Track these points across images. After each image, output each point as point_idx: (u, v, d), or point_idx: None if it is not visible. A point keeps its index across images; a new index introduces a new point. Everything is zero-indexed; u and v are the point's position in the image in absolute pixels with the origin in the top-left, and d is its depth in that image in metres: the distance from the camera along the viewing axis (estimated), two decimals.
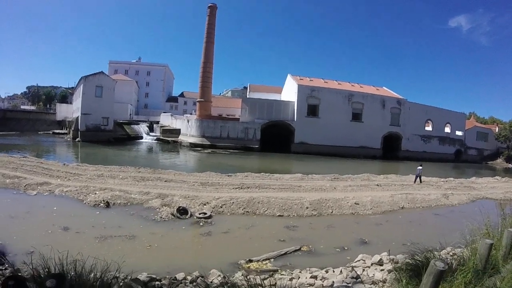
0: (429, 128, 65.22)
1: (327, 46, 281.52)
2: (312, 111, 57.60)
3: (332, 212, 15.39)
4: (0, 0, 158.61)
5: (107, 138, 56.64)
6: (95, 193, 15.61)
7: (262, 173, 24.80)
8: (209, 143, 54.32)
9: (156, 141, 62.94)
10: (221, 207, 14.74)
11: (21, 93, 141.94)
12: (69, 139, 59.16)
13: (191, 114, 74.12)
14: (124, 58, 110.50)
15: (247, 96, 72.54)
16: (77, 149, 47.94)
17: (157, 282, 6.77)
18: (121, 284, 4.91)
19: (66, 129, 68.59)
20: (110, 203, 14.42)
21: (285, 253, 9.91)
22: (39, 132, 71.64)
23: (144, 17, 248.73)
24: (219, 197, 15.98)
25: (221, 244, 10.91)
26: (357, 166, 39.20)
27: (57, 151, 45.63)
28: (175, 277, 7.38)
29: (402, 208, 17.43)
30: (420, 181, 25.93)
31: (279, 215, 14.41)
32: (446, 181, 28.31)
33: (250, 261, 9.23)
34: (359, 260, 8.81)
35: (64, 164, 24.51)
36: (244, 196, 16.15)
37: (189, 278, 7.46)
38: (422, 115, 63.54)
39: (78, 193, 15.78)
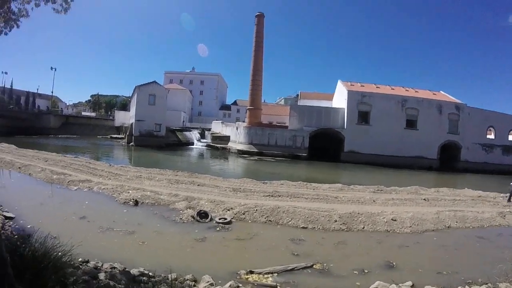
0: (491, 136, 58.95)
1: (381, 50, 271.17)
2: (363, 118, 54.96)
3: (363, 227, 13.90)
4: (69, 20, 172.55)
5: (159, 143, 58.65)
6: (128, 192, 16.60)
7: (299, 182, 23.72)
8: (256, 150, 54.04)
9: (206, 148, 64.18)
10: (243, 213, 14.26)
11: (86, 101, 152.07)
12: (123, 144, 62.65)
13: (243, 122, 74.55)
14: (179, 68, 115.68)
15: (298, 103, 71.56)
16: (129, 153, 51.33)
17: (144, 278, 6.88)
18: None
19: (123, 134, 71.89)
20: (138, 202, 15.22)
21: (293, 269, 9.02)
22: (98, 136, 76.84)
23: (199, 29, 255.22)
24: (245, 203, 15.48)
25: (228, 251, 10.48)
26: (409, 177, 36.67)
27: (110, 153, 48.77)
28: (168, 276, 7.21)
29: (448, 227, 15.14)
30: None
31: (303, 227, 13.38)
32: (506, 196, 24.13)
33: (251, 272, 8.62)
34: None
35: (110, 165, 26.17)
36: (269, 204, 15.45)
37: (180, 279, 7.42)
38: (483, 122, 57.42)
39: (113, 191, 16.91)
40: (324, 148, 54.77)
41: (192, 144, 67.44)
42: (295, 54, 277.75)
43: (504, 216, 17.67)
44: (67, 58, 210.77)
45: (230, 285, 7.27)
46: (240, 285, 7.48)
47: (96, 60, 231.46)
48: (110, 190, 16.95)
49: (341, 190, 21.88)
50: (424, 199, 20.73)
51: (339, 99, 60.54)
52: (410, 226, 14.40)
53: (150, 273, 7.35)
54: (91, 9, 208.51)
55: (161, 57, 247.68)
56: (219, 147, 60.85)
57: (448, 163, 54.63)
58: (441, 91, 64.52)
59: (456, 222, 15.78)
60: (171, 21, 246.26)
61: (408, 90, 62.02)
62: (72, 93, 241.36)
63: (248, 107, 65.17)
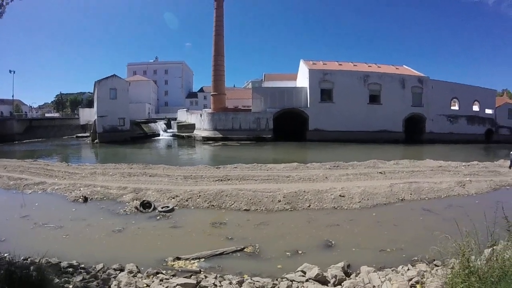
0: (455, 107, 60.25)
1: (344, 26, 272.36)
2: (326, 96, 55.21)
3: (309, 206, 13.62)
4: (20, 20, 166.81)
5: (124, 138, 57.40)
6: (80, 190, 16.50)
7: (253, 164, 23.36)
8: (221, 135, 53.57)
9: (172, 137, 63.34)
10: (187, 200, 14.08)
11: (51, 101, 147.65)
12: (88, 142, 61.03)
13: (210, 108, 73.82)
14: (143, 59, 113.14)
15: (263, 85, 71.27)
16: (93, 150, 50.59)
17: (71, 269, 7.10)
18: None
19: (88, 132, 70.19)
20: (88, 198, 15.19)
21: (221, 253, 8.78)
22: (63, 137, 74.30)
23: (159, 18, 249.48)
24: (191, 190, 15.24)
25: (160, 239, 10.28)
26: (373, 151, 36.56)
27: (73, 153, 47.22)
28: (96, 267, 7.53)
29: (402, 200, 14.88)
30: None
31: (245, 209, 13.16)
32: (468, 165, 24.66)
33: (178, 258, 8.46)
34: (298, 271, 7.29)
35: (68, 165, 25.68)
36: (214, 189, 15.20)
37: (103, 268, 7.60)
38: (447, 93, 58.63)
39: (65, 190, 16.79)
40: (289, 129, 54.76)
41: (158, 135, 66.46)
42: (261, 37, 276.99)
43: (464, 185, 17.51)
44: (26, 60, 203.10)
45: (147, 272, 7.20)
46: (164, 271, 7.41)
47: (58, 58, 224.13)
48: (62, 189, 16.87)
49: (295, 169, 21.62)
50: (380, 173, 20.53)
51: (302, 79, 60.43)
52: (359, 202, 14.18)
53: (82, 265, 7.51)
54: (42, 7, 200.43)
55: (124, 49, 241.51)
56: (184, 135, 59.96)
57: (413, 135, 55.64)
58: (404, 66, 65.31)
59: (411, 194, 15.60)
60: (129, 11, 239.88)
61: (370, 66, 62.56)
62: (37, 95, 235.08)
63: (212, 93, 64.39)
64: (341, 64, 61.77)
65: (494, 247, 5.00)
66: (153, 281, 6.61)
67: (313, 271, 7.01)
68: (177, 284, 6.30)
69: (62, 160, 33.50)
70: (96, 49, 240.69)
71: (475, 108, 61.74)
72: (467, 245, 4.63)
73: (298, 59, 64.03)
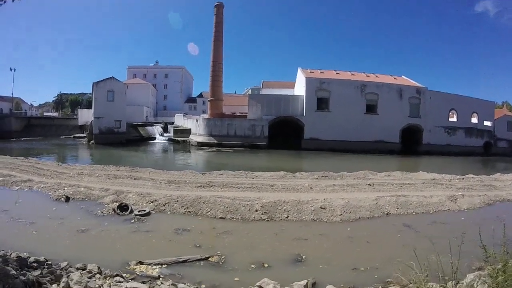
0: (453, 119, 60.02)
1: (345, 36, 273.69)
2: (322, 104, 55.18)
3: (287, 217, 13.16)
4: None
5: (119, 140, 57.75)
6: (64, 189, 16.45)
7: (241, 171, 23.12)
8: (216, 141, 53.37)
9: (168, 142, 63.25)
10: (164, 205, 13.86)
11: (52, 101, 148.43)
12: (84, 142, 61.46)
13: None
14: (144, 62, 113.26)
15: (261, 93, 71.26)
16: (87, 151, 50.73)
17: (35, 264, 7.09)
18: None
19: (86, 133, 70.36)
20: (70, 198, 15.09)
21: (185, 261, 8.56)
22: (61, 137, 74.91)
23: (162, 23, 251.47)
24: (170, 195, 15.07)
25: (129, 242, 10.20)
26: (366, 162, 36.07)
27: (67, 153, 47.56)
28: (59, 264, 7.47)
29: (387, 214, 14.18)
30: None
31: (221, 217, 12.87)
32: (463, 178, 23.59)
33: (141, 263, 8.35)
34: (256, 286, 6.98)
35: (58, 164, 25.92)
36: (192, 195, 14.99)
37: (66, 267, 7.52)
38: (445, 105, 58.18)
39: (50, 188, 16.77)
40: (284, 136, 54.52)
41: (154, 138, 66.29)
42: (264, 44, 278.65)
43: (455, 200, 16.71)
44: (28, 59, 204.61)
45: (105, 274, 7.13)
46: (124, 274, 7.31)
47: (61, 58, 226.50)
48: (47, 188, 16.84)
49: (282, 178, 21.20)
50: (368, 184, 19.82)
51: (300, 87, 60.46)
52: (341, 215, 13.57)
53: (48, 262, 7.46)
54: (45, 6, 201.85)
55: (126, 52, 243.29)
56: (180, 140, 59.78)
57: (410, 146, 55.30)
58: (402, 76, 65.27)
59: (397, 208, 14.85)
60: (134, 13, 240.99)
61: (368, 76, 62.25)
62: (39, 93, 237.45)
63: (209, 99, 64.31)
64: (338, 73, 61.79)
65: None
66: (105, 283, 6.51)
67: None
68: None
69: (55, 159, 34.08)
70: (99, 50, 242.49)
71: (474, 120, 61.47)
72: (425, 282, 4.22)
73: (298, 67, 64.00)
